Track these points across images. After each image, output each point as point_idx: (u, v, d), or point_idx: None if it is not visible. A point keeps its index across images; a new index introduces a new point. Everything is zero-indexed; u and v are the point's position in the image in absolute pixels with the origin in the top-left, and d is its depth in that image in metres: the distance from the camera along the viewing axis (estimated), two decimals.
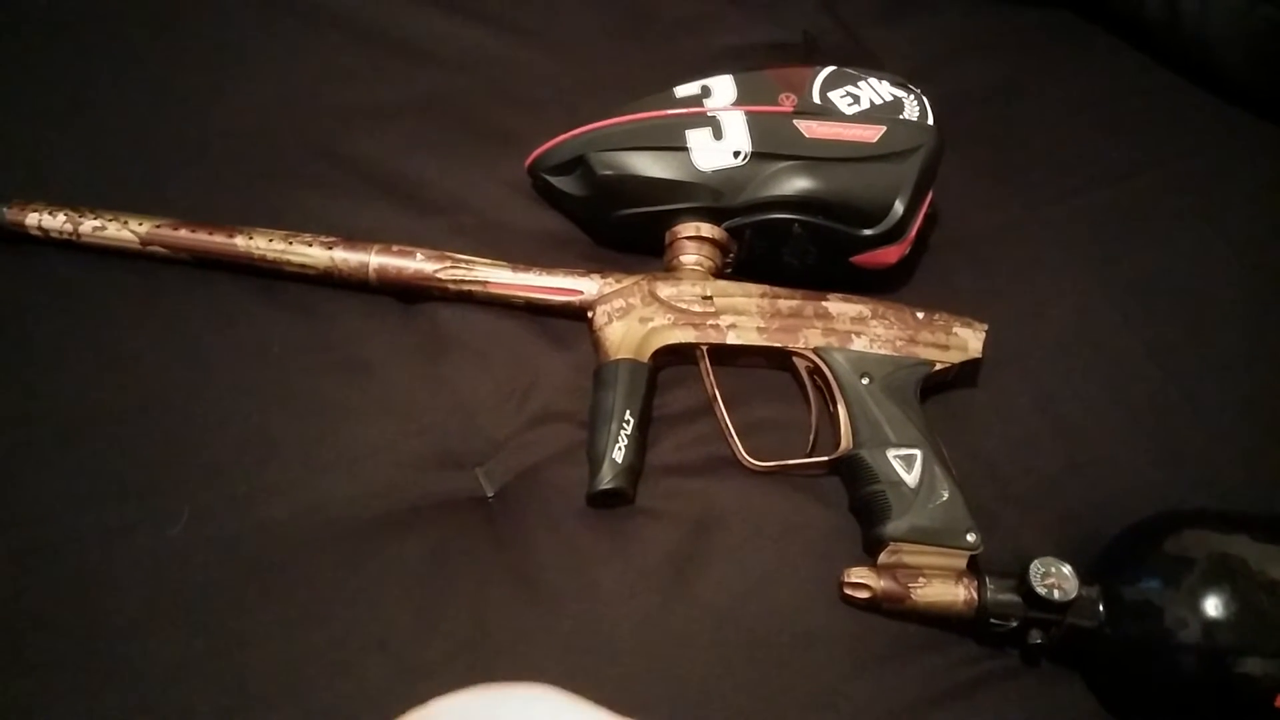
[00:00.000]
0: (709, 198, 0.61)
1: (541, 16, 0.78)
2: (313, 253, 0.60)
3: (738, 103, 0.62)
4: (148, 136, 0.67)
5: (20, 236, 0.61)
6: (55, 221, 0.60)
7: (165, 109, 0.68)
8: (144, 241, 0.60)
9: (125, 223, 0.60)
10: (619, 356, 0.57)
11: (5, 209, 0.60)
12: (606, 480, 0.54)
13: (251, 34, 0.72)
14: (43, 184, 0.62)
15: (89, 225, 0.60)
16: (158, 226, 0.60)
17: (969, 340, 0.60)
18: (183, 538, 0.52)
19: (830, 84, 0.63)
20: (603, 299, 0.59)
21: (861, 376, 0.57)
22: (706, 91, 0.63)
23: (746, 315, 0.59)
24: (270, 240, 0.60)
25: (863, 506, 0.55)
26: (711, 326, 0.59)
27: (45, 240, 0.60)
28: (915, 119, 0.62)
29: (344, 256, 0.60)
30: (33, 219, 0.60)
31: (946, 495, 0.54)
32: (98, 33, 0.71)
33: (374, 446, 0.57)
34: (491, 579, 0.53)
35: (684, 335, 0.58)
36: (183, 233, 0.60)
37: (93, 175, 0.64)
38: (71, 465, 0.55)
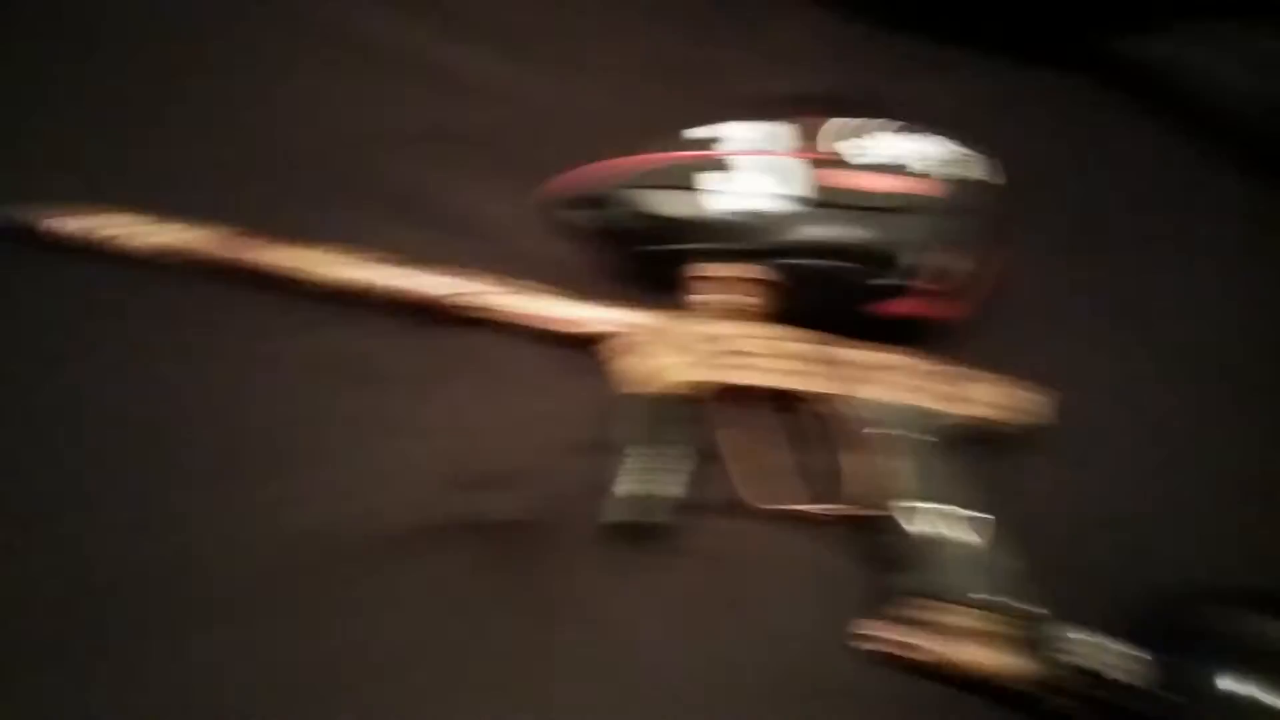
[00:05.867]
0: (736, 239, 0.60)
1: (571, 54, 0.79)
2: (343, 269, 0.60)
3: (770, 147, 0.62)
4: (178, 153, 0.67)
5: (57, 244, 0.61)
6: (89, 228, 0.60)
7: (200, 127, 0.69)
8: (169, 250, 0.60)
9: (152, 231, 0.60)
10: (643, 390, 0.56)
11: (44, 217, 0.60)
12: (626, 513, 0.54)
13: (293, 62, 0.74)
14: (79, 195, 0.62)
15: (119, 231, 0.60)
16: (185, 234, 0.60)
17: (1015, 402, 0.59)
18: (208, 541, 0.52)
19: (871, 132, 0.62)
20: (626, 332, 0.59)
21: (894, 427, 0.56)
22: (738, 134, 0.63)
23: (770, 357, 0.58)
24: (301, 253, 0.59)
25: (894, 560, 0.54)
26: (734, 366, 0.58)
27: (79, 248, 0.61)
28: (978, 178, 0.61)
29: (371, 274, 0.60)
30: (70, 225, 0.60)
31: (986, 556, 0.53)
32: (140, 53, 0.73)
33: (397, 465, 0.56)
34: (508, 604, 0.52)
35: (707, 374, 0.58)
36: (214, 243, 0.60)
37: (124, 188, 0.64)
38: (116, 466, 0.55)
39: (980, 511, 0.55)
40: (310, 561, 0.52)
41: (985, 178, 0.62)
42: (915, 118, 0.78)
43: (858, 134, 0.63)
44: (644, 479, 0.54)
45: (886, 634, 0.51)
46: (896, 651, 0.50)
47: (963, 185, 0.61)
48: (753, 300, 0.61)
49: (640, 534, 0.54)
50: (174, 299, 0.61)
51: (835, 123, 0.63)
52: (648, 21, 0.83)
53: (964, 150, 0.63)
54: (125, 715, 0.48)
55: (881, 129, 0.63)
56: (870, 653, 0.51)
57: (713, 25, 0.85)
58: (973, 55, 0.86)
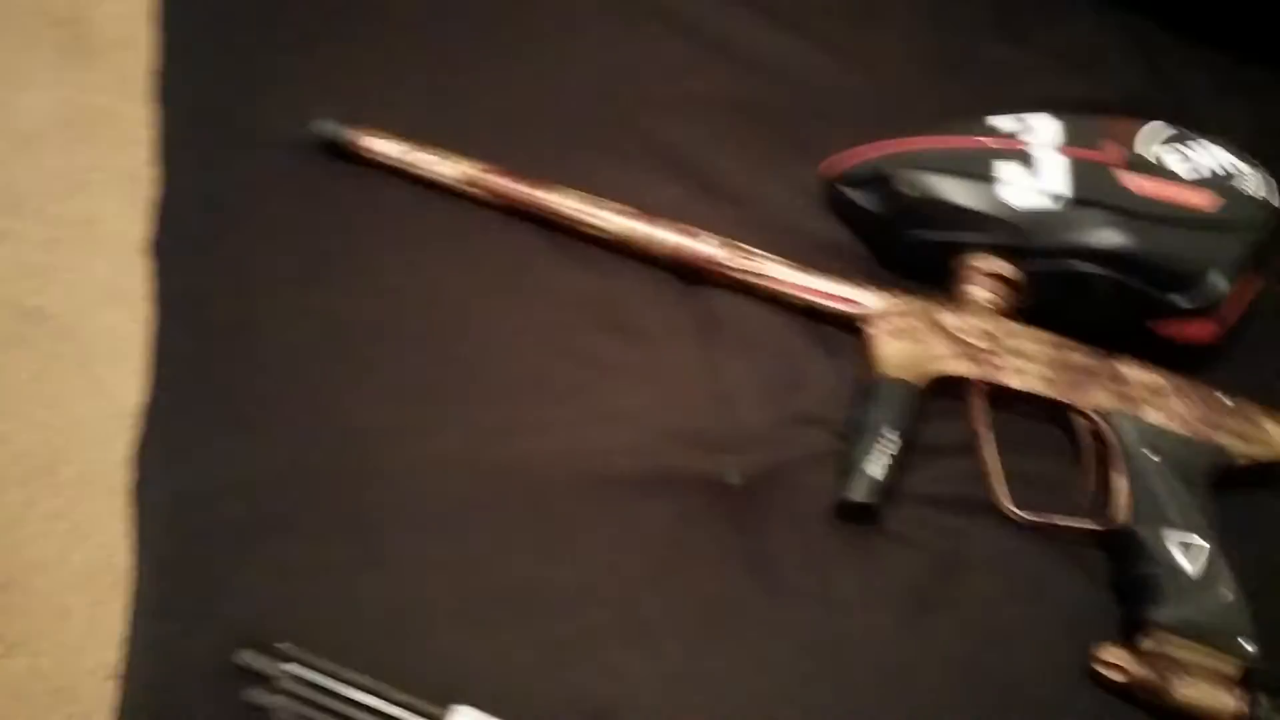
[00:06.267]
0: (1013, 235, 0.59)
1: (861, 39, 0.78)
2: (613, 219, 0.62)
3: (1060, 144, 0.60)
4: (481, 93, 0.71)
5: (362, 159, 0.66)
6: (395, 149, 0.65)
7: (502, 70, 0.72)
8: (467, 181, 0.64)
9: (453, 161, 0.64)
10: (892, 375, 0.56)
11: (354, 132, 0.65)
12: (858, 492, 0.53)
13: (589, 19, 0.76)
14: (387, 120, 0.67)
15: (422, 157, 0.64)
16: (482, 170, 0.64)
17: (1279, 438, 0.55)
18: (452, 451, 0.56)
19: (1166, 141, 0.59)
20: (884, 315, 0.58)
21: (1150, 450, 0.54)
22: (1027, 127, 0.61)
23: (1033, 361, 0.57)
24: (579, 200, 0.63)
25: (1130, 585, 0.52)
26: (994, 365, 0.57)
27: (382, 166, 0.65)
28: (1258, 194, 0.58)
29: (641, 227, 0.62)
30: (376, 144, 0.65)
31: (1228, 595, 0.50)
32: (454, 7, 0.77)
33: (636, 409, 0.59)
34: (729, 559, 0.53)
35: (963, 368, 0.57)
36: (502, 180, 0.63)
37: (431, 117, 0.69)
38: (367, 367, 0.59)
39: (1227, 548, 0.52)
40: (531, 488, 0.55)
41: (1270, 198, 0.58)
42: (1212, 131, 0.74)
43: (1168, 143, 0.60)
44: (889, 464, 0.54)
45: (1121, 661, 0.49)
46: (1136, 683, 0.48)
47: (1251, 204, 0.57)
48: (1030, 301, 0.59)
49: (873, 517, 0.54)
50: (456, 225, 0.65)
51: (1155, 127, 0.60)
52: (941, 13, 0.81)
53: (1256, 168, 0.59)
54: (325, 597, 0.51)
55: (1207, 142, 0.60)
56: (1096, 674, 0.49)
57: (1008, 21, 0.81)
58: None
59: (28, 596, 0.95)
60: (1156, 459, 0.54)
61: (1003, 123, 0.62)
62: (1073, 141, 0.60)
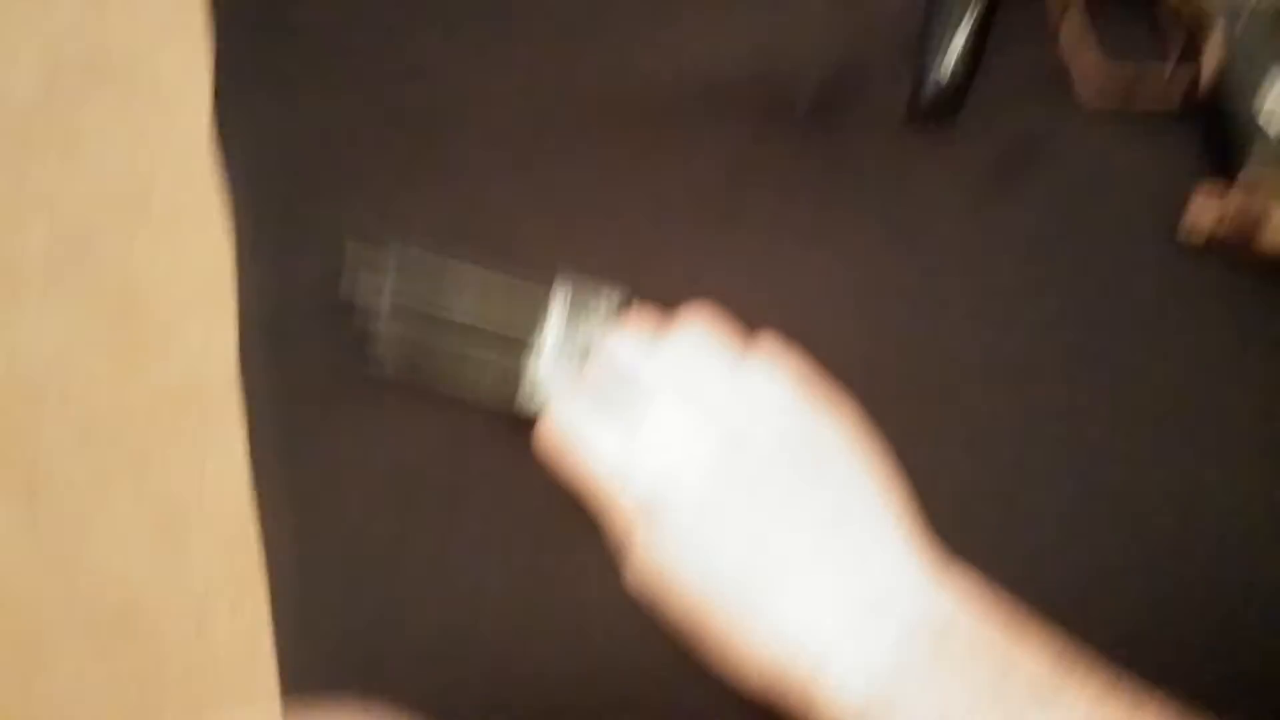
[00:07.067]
0: None
1: None
2: None
3: None
4: None
5: None
6: None
7: None
8: None
9: None
10: None
11: None
12: (932, 90, 0.52)
13: None
14: None
15: None
16: None
17: None
18: (517, 84, 0.57)
19: None
20: None
21: (1236, 12, 0.51)
22: None
23: None
24: None
25: (1219, 151, 0.50)
26: None
27: None
28: None
29: None
30: None
31: None
32: None
33: (694, 36, 0.57)
34: (800, 170, 0.54)
35: None
36: None
37: None
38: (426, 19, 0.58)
39: None
40: (599, 115, 0.56)
41: None
42: None
43: None
44: (961, 59, 0.52)
45: (1215, 201, 0.49)
46: (1228, 226, 0.49)
47: None
48: None
49: (950, 112, 0.53)
50: None
51: None
52: None
53: None
54: (416, 218, 0.54)
55: None
56: (1198, 227, 0.50)
57: None
58: None
59: (145, 318, 1.03)
60: (1246, 14, 0.51)
61: None
62: None
